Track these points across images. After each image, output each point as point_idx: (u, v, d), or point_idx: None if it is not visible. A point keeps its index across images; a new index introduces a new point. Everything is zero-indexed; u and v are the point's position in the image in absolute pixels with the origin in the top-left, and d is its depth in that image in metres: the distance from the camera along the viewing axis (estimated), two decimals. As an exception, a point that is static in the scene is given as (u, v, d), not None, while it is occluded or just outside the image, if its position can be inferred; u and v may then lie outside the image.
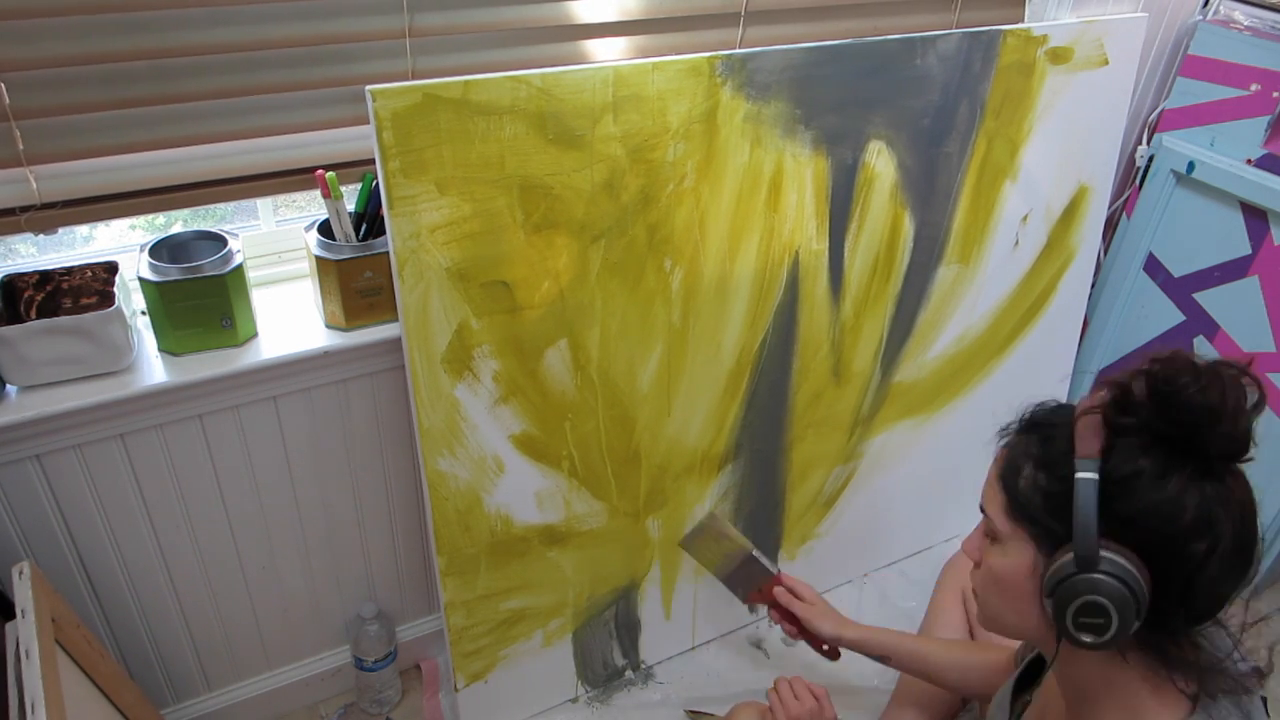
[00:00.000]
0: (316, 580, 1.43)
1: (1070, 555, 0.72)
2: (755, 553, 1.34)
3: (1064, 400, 1.83)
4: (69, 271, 1.17)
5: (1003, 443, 0.83)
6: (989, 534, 0.83)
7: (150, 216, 1.28)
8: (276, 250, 1.36)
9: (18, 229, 1.08)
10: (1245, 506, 0.72)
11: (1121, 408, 0.73)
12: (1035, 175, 1.55)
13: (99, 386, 1.11)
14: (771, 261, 1.34)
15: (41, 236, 1.15)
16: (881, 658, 1.24)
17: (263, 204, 1.34)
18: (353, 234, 1.22)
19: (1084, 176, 1.63)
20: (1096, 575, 0.71)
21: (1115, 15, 1.59)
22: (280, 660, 1.49)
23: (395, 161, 1.03)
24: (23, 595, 1.01)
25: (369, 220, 1.24)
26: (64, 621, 1.08)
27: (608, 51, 1.30)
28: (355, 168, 1.22)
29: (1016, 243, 1.60)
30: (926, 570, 1.75)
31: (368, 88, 0.99)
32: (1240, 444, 0.71)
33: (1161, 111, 1.77)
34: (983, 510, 0.83)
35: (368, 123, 1.02)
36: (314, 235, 1.22)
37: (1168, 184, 1.73)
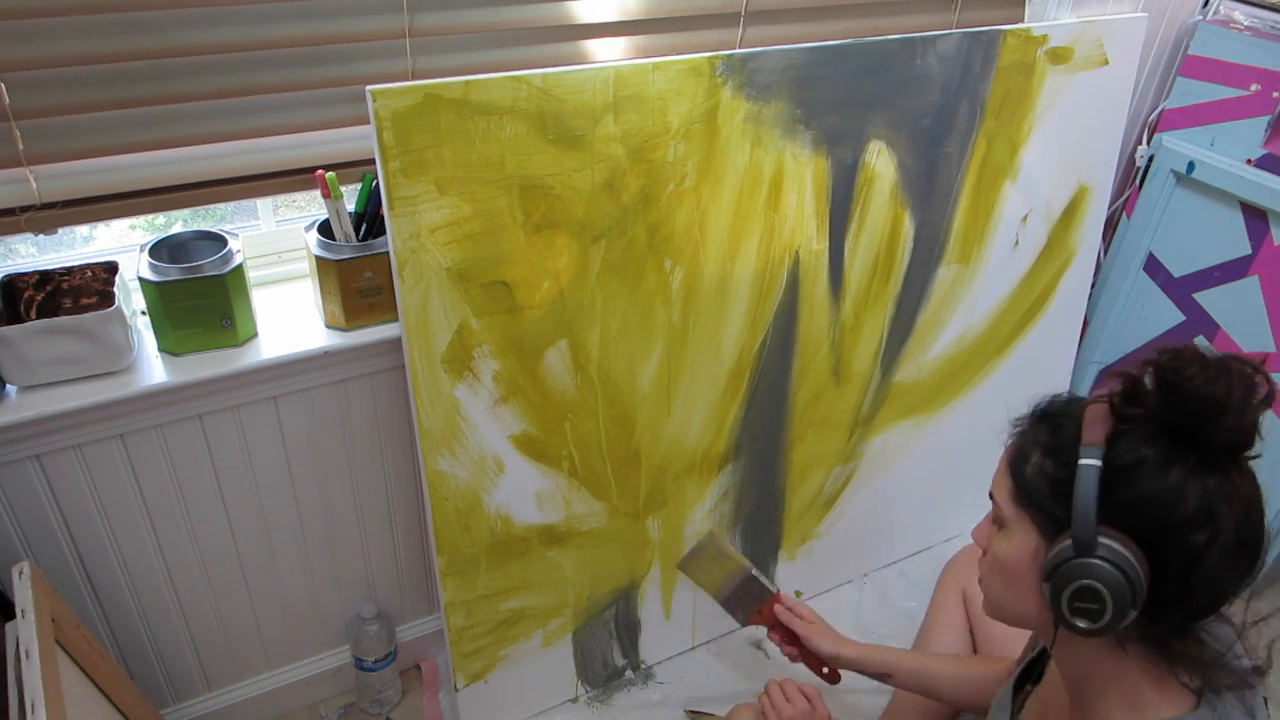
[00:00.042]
0: (316, 580, 1.43)
1: (1069, 540, 0.73)
2: (754, 571, 1.33)
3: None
4: (69, 271, 1.17)
5: (1014, 431, 0.83)
6: (996, 520, 0.84)
7: (150, 216, 1.28)
8: (276, 250, 1.36)
9: (18, 229, 1.08)
10: (1250, 503, 0.72)
11: (1129, 397, 0.73)
12: (1035, 175, 1.55)
13: (99, 386, 1.11)
14: (772, 261, 1.34)
15: (41, 236, 1.15)
16: (882, 675, 1.24)
17: (263, 204, 1.33)
18: (353, 234, 1.22)
19: (1084, 176, 1.63)
20: (1093, 560, 0.72)
21: (1115, 15, 1.59)
22: (280, 660, 1.49)
23: (395, 161, 1.03)
24: (23, 595, 1.01)
25: (369, 220, 1.24)
26: (64, 621, 1.08)
27: (608, 51, 1.30)
28: (355, 168, 1.22)
29: (1016, 243, 1.60)
30: (926, 570, 1.75)
31: (368, 88, 0.99)
32: (1245, 437, 0.71)
33: (1161, 111, 1.77)
34: (991, 497, 0.84)
35: (368, 123, 1.02)
36: (314, 235, 1.22)
37: (1168, 184, 1.73)
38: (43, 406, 1.08)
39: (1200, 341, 1.76)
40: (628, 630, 1.54)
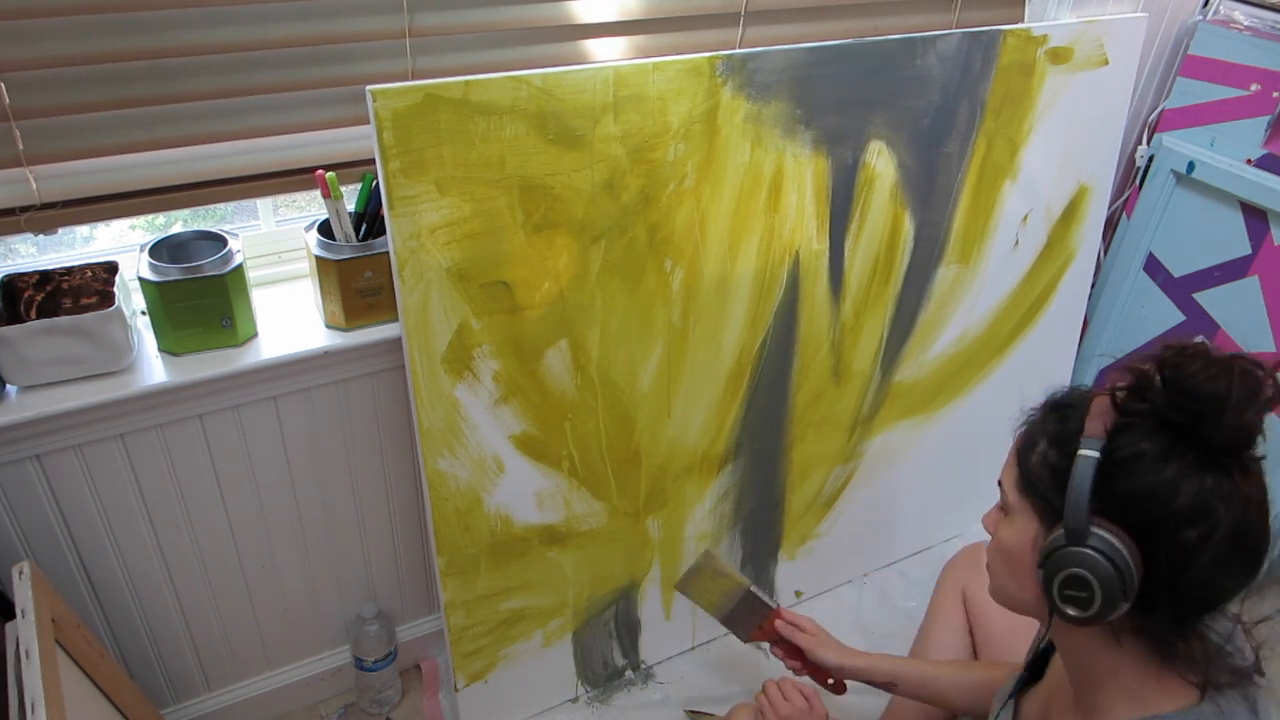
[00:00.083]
0: (316, 580, 1.43)
1: (1063, 528, 0.74)
2: (753, 589, 1.32)
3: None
4: (69, 271, 1.17)
5: (1025, 420, 0.84)
6: (1003, 507, 0.85)
7: (150, 216, 1.28)
8: (276, 250, 1.36)
9: (18, 229, 1.08)
10: (1251, 503, 0.72)
11: (1133, 392, 0.74)
12: (1035, 175, 1.55)
13: (99, 386, 1.11)
14: (772, 261, 1.34)
15: (41, 236, 1.15)
16: (887, 685, 1.24)
17: (263, 204, 1.33)
18: (353, 234, 1.22)
19: (1084, 176, 1.63)
20: (1083, 549, 0.72)
21: (1115, 15, 1.59)
22: (280, 660, 1.49)
23: (395, 161, 1.03)
24: (23, 595, 1.01)
25: (369, 220, 1.24)
26: (64, 621, 1.08)
27: (608, 51, 1.30)
28: (355, 168, 1.22)
29: (1016, 243, 1.60)
30: (926, 570, 1.75)
31: (368, 88, 0.99)
32: (1245, 436, 0.71)
33: (1161, 111, 1.77)
34: (1000, 485, 0.85)
35: (368, 123, 1.02)
36: (314, 235, 1.22)
37: (1168, 184, 1.73)
38: (43, 406, 1.08)
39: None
40: (628, 630, 1.54)
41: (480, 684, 1.42)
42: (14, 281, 1.14)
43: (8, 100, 1.01)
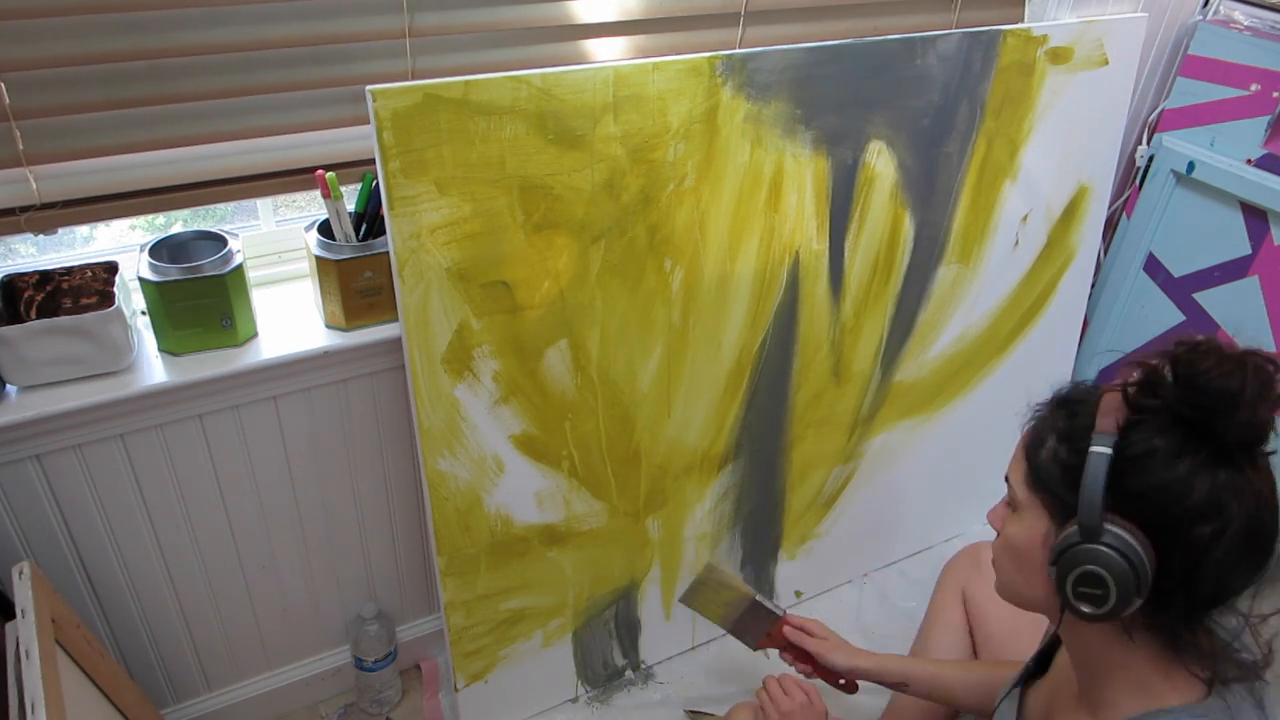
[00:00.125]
0: (316, 580, 1.43)
1: (1077, 526, 0.74)
2: (758, 597, 1.32)
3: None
4: (69, 271, 1.17)
5: (1033, 416, 0.84)
6: (1010, 503, 0.85)
7: (150, 216, 1.28)
8: (276, 250, 1.36)
9: (18, 229, 1.08)
10: (1263, 498, 0.72)
11: (1144, 387, 0.74)
12: (1035, 175, 1.55)
13: (99, 386, 1.11)
14: (772, 261, 1.34)
15: (41, 236, 1.15)
16: (898, 685, 1.24)
17: (263, 204, 1.33)
18: (353, 234, 1.22)
19: (1084, 176, 1.63)
20: (1098, 546, 0.72)
21: (1115, 15, 1.59)
22: (280, 660, 1.49)
23: (395, 161, 1.03)
24: (23, 595, 1.01)
25: (369, 220, 1.24)
26: (64, 621, 1.08)
27: (608, 51, 1.30)
28: (355, 168, 1.22)
29: (1016, 243, 1.60)
30: (926, 570, 1.75)
31: (368, 88, 0.99)
32: (1258, 432, 0.71)
33: (1161, 111, 1.77)
34: (1007, 480, 0.85)
35: (368, 123, 1.02)
36: (314, 235, 1.22)
37: (1168, 184, 1.73)
38: (43, 406, 1.08)
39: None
40: (628, 630, 1.54)
41: (480, 684, 1.42)
42: (14, 281, 1.14)
43: (8, 100, 1.01)
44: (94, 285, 1.18)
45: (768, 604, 1.32)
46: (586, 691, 1.55)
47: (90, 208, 1.11)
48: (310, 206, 1.43)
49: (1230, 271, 1.68)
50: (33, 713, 0.90)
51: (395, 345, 1.24)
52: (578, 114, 1.11)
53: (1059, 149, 1.56)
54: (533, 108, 1.08)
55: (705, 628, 1.63)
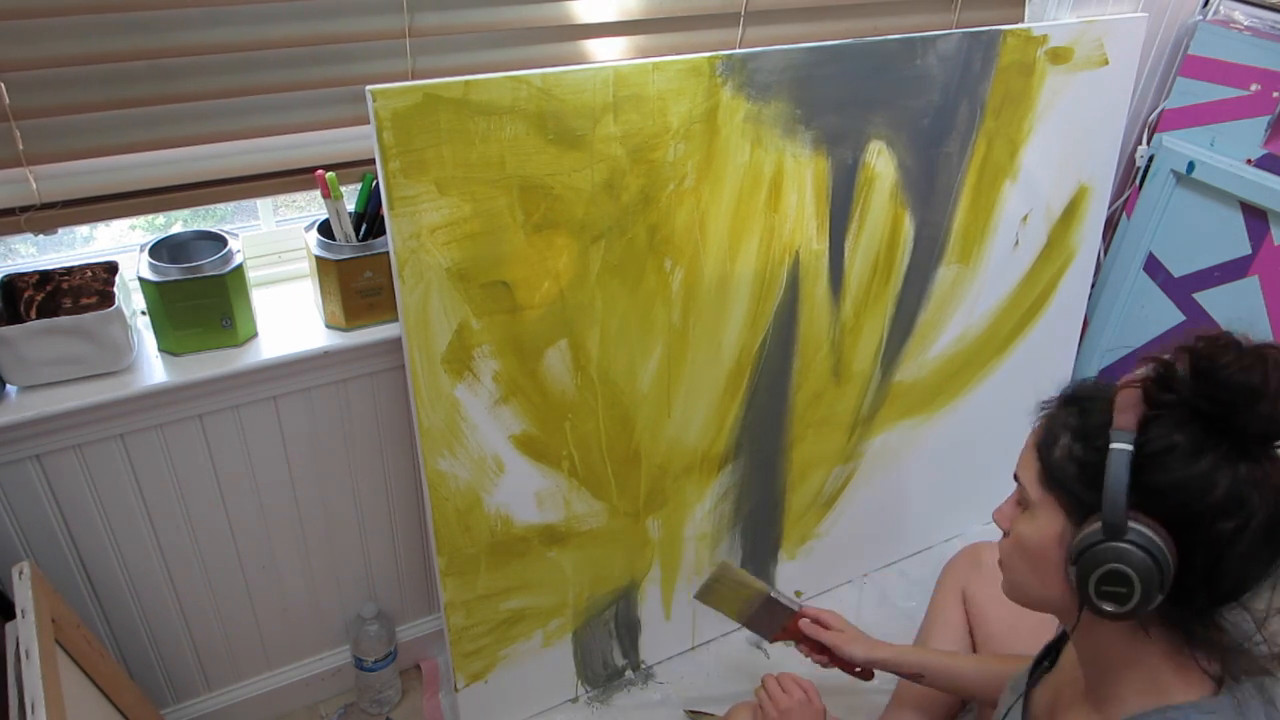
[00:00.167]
0: (316, 580, 1.43)
1: (1098, 524, 0.73)
2: (773, 593, 1.33)
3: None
4: (69, 271, 1.17)
5: (1042, 414, 0.84)
6: (1020, 502, 0.84)
7: (150, 216, 1.28)
8: (276, 250, 1.36)
9: (18, 229, 1.08)
10: None
11: (1162, 383, 0.74)
12: (1035, 175, 1.55)
13: (99, 386, 1.11)
14: (772, 261, 1.34)
15: (41, 236, 1.15)
16: (915, 676, 1.24)
17: (263, 204, 1.33)
18: (353, 234, 1.22)
19: (1084, 176, 1.63)
20: (1122, 544, 0.71)
21: (1115, 15, 1.59)
22: (280, 660, 1.49)
23: (395, 161, 1.03)
24: (23, 595, 1.01)
25: (369, 220, 1.24)
26: (64, 621, 1.08)
27: (608, 51, 1.30)
28: (355, 168, 1.22)
29: (1016, 243, 1.60)
30: (926, 570, 1.75)
31: (368, 88, 0.99)
32: (1279, 426, 0.71)
33: (1161, 111, 1.77)
34: (1016, 479, 0.84)
35: (368, 123, 1.02)
36: (314, 235, 1.22)
37: (1168, 184, 1.73)
38: (43, 406, 1.08)
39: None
40: (628, 630, 1.54)
41: (480, 684, 1.42)
42: (14, 281, 1.14)
43: (8, 100, 1.00)
44: (94, 285, 1.18)
45: (783, 599, 1.33)
46: (586, 691, 1.55)
47: (90, 208, 1.11)
48: (310, 206, 1.43)
49: (1230, 271, 1.68)
50: (33, 713, 0.90)
51: (395, 345, 1.24)
52: (578, 114, 1.11)
53: (1059, 149, 1.56)
54: (533, 108, 1.08)
55: (705, 628, 1.63)
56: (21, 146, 1.03)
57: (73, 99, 1.04)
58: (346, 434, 1.31)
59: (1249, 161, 1.62)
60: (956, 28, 1.50)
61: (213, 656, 1.41)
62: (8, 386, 1.10)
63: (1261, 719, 0.74)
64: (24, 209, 1.07)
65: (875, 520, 1.73)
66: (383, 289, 1.22)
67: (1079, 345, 1.85)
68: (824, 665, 1.31)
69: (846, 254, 1.41)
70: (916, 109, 1.36)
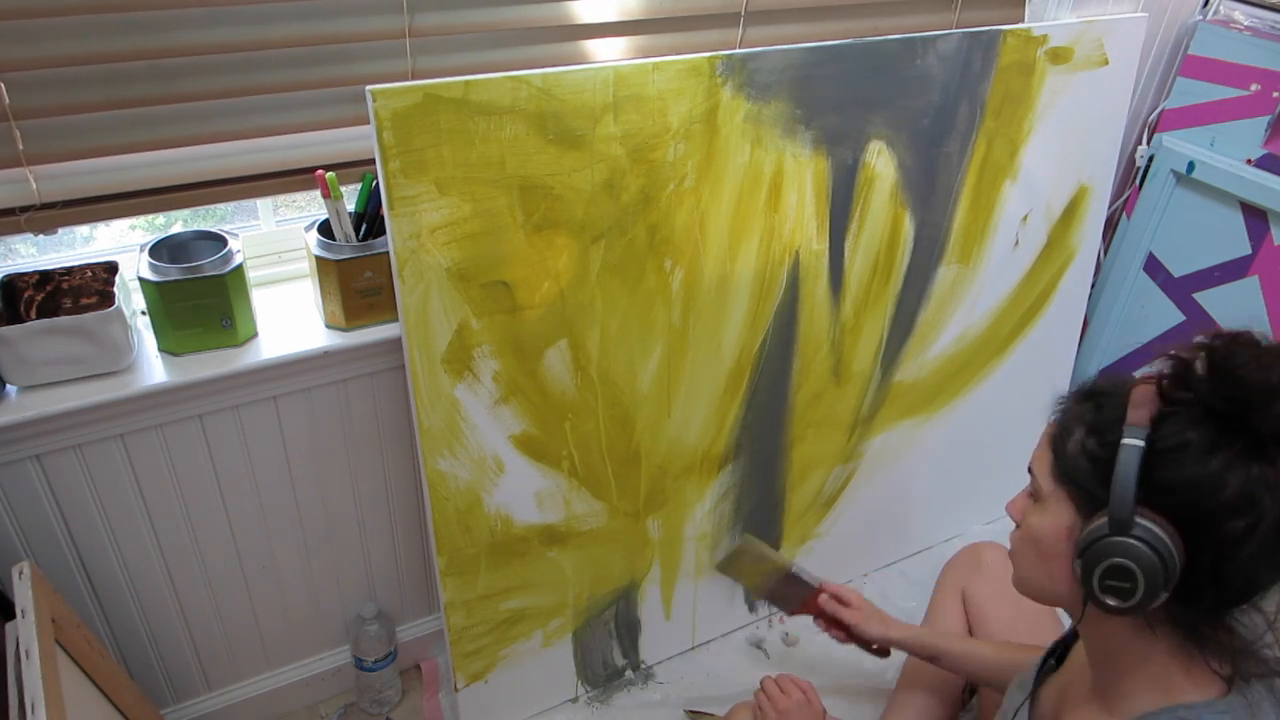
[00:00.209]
0: (316, 580, 1.43)
1: (1105, 518, 0.73)
2: (795, 569, 1.34)
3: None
4: (69, 271, 1.17)
5: (1059, 407, 0.84)
6: (1033, 494, 0.84)
7: (150, 216, 1.28)
8: (276, 250, 1.36)
9: (18, 229, 1.08)
10: None
11: (1178, 380, 0.73)
12: (1035, 175, 1.55)
13: (99, 386, 1.11)
14: (772, 261, 1.34)
15: (41, 236, 1.15)
16: (931, 658, 1.26)
17: (263, 204, 1.33)
18: (353, 234, 1.22)
19: (1084, 176, 1.63)
20: (1128, 539, 0.71)
21: (1115, 15, 1.59)
22: (280, 660, 1.49)
23: (395, 161, 1.03)
24: (23, 595, 1.01)
25: (369, 220, 1.24)
26: (64, 621, 1.08)
27: (608, 51, 1.30)
28: (355, 168, 1.22)
29: (1016, 243, 1.60)
30: (926, 570, 1.75)
31: (368, 88, 0.99)
32: None
33: (1161, 111, 1.77)
34: (1030, 471, 0.84)
35: (368, 123, 1.02)
36: (314, 235, 1.22)
37: (1168, 184, 1.73)
38: (43, 406, 1.08)
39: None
40: (628, 630, 1.54)
41: (480, 684, 1.42)
42: (14, 281, 1.14)
43: (8, 100, 1.01)
44: (94, 285, 1.18)
45: (804, 574, 1.34)
46: (586, 691, 1.55)
47: (90, 208, 1.11)
48: (310, 206, 1.43)
49: (1230, 271, 1.68)
50: (33, 713, 0.90)
51: (395, 345, 1.24)
52: (578, 114, 1.11)
53: (1059, 149, 1.56)
54: (533, 108, 1.08)
55: (705, 628, 1.63)
56: (21, 146, 1.03)
57: (73, 99, 1.04)
58: (346, 434, 1.31)
59: (1249, 161, 1.62)
60: (956, 28, 1.50)
61: (213, 656, 1.41)
62: (8, 386, 1.10)
63: None
64: (24, 209, 1.07)
65: (875, 520, 1.73)
66: (383, 289, 1.22)
67: (1079, 345, 1.85)
68: (841, 641, 1.34)
69: (846, 254, 1.41)
70: (916, 109, 1.36)
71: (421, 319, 1.12)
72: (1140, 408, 0.73)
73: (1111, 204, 1.79)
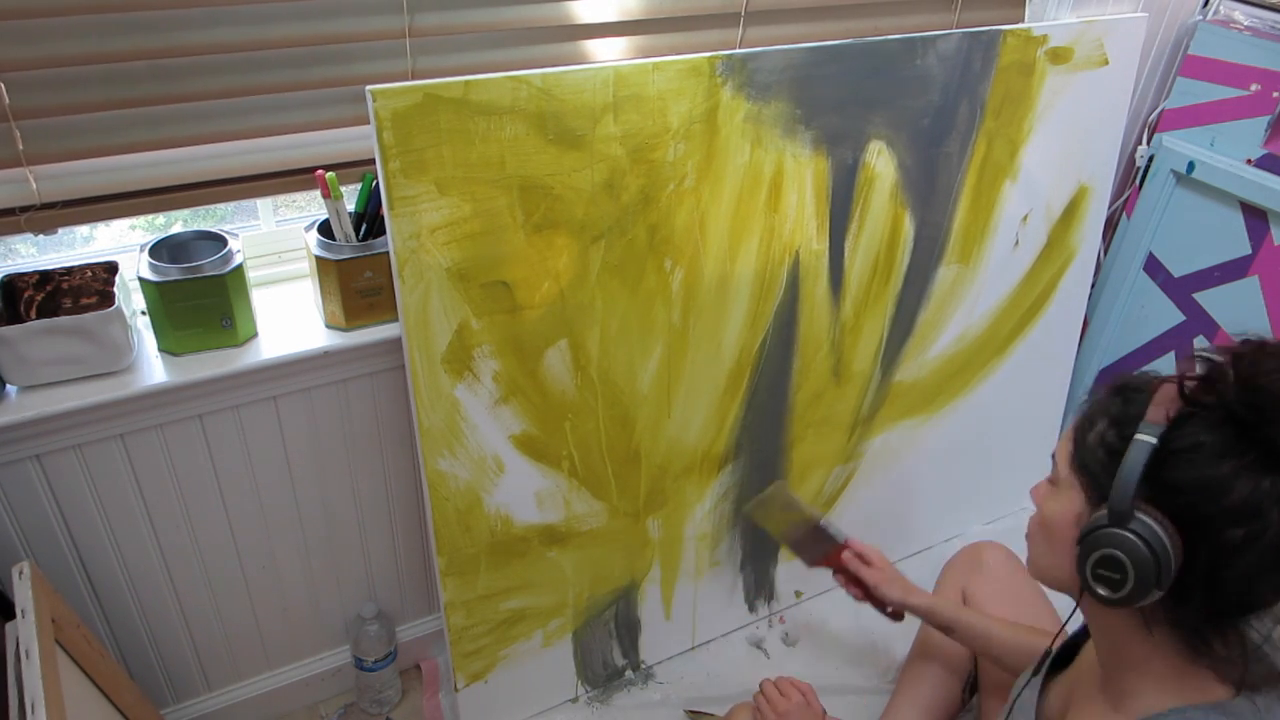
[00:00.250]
0: (316, 580, 1.43)
1: (1107, 509, 0.74)
2: (823, 522, 1.34)
3: (1068, 397, 1.82)
4: (69, 271, 1.17)
5: (1089, 399, 0.85)
6: (1052, 480, 0.86)
7: (150, 216, 1.28)
8: (276, 250, 1.36)
9: (18, 229, 1.08)
10: None
11: (1203, 383, 0.74)
12: (1035, 175, 1.55)
13: (99, 386, 1.11)
14: (772, 261, 1.34)
15: (41, 236, 1.15)
16: (945, 628, 1.26)
17: (263, 204, 1.34)
18: (353, 234, 1.22)
19: (1084, 176, 1.63)
20: (1124, 532, 0.72)
21: (1115, 15, 1.59)
22: (280, 660, 1.49)
23: (395, 161, 1.03)
24: (23, 595, 1.01)
25: (369, 220, 1.24)
26: (64, 621, 1.08)
27: (608, 51, 1.30)
28: (355, 168, 1.22)
29: (1016, 243, 1.60)
30: (926, 570, 1.75)
31: (368, 88, 0.99)
32: None
33: (1161, 111, 1.77)
34: (1053, 457, 0.86)
35: (368, 123, 1.02)
36: (314, 235, 1.22)
37: (1168, 184, 1.73)
38: (43, 406, 1.08)
39: (1197, 343, 1.76)
40: (628, 630, 1.54)
41: (480, 684, 1.42)
42: (14, 281, 1.14)
43: (8, 100, 1.01)
44: (94, 285, 1.18)
45: (830, 530, 1.34)
46: (586, 691, 1.55)
47: (90, 208, 1.11)
48: (310, 206, 1.43)
49: (1230, 271, 1.68)
50: (33, 713, 0.90)
51: (395, 345, 1.24)
52: (578, 114, 1.11)
53: (1059, 149, 1.56)
54: (533, 108, 1.08)
55: (705, 628, 1.63)
56: (21, 146, 1.03)
57: (73, 99, 1.04)
58: (346, 434, 1.31)
59: (1249, 161, 1.62)
60: (956, 28, 1.50)
61: (213, 656, 1.41)
62: (8, 386, 1.10)
63: None
64: (24, 209, 1.07)
65: (875, 520, 1.73)
66: (383, 289, 1.22)
67: (1079, 345, 1.85)
68: (858, 599, 1.34)
69: (846, 254, 1.41)
70: (916, 109, 1.36)
71: (421, 319, 1.12)
72: (1160, 406, 0.74)
73: (1111, 204, 1.79)
